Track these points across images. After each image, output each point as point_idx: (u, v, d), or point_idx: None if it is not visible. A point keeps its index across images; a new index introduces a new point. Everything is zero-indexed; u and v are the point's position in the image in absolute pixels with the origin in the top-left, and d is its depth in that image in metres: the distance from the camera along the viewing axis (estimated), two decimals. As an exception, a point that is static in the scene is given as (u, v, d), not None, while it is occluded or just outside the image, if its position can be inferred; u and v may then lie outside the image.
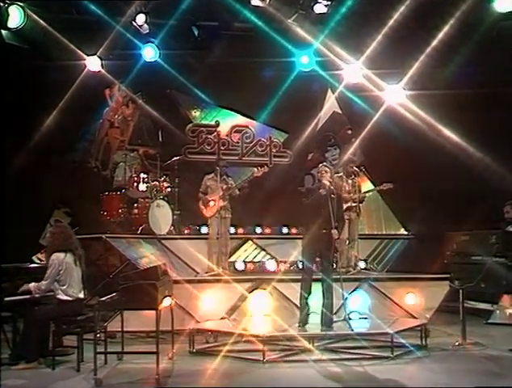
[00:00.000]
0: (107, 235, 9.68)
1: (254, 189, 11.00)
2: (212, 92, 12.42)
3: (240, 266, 10.62)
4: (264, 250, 11.09)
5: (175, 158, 11.39)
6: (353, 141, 12.32)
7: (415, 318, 8.87)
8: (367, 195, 10.55)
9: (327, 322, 7.88)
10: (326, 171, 8.08)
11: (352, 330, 7.88)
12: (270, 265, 10.62)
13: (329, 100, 12.85)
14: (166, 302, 7.06)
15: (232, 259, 10.73)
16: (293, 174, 12.48)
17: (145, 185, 10.74)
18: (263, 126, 12.82)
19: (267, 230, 11.81)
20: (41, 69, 10.78)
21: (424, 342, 7.88)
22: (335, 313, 8.17)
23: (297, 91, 11.82)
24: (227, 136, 12.64)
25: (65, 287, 7.19)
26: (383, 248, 11.53)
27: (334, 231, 7.76)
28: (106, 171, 12.25)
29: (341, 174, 10.19)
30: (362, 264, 10.58)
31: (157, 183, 10.89)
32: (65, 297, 7.19)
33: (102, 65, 11.10)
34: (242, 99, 12.34)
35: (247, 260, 10.84)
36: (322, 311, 7.92)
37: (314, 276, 8.03)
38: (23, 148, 10.53)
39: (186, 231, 11.28)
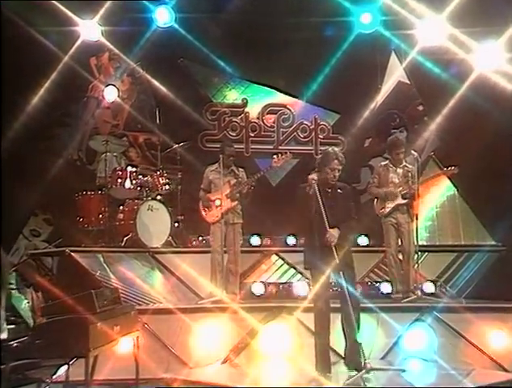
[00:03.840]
0: (73, 248, 8.57)
1: (289, 186, 9.68)
2: (238, 62, 11.52)
3: (258, 289, 9.16)
4: (294, 267, 9.73)
5: (176, 146, 10.36)
6: (425, 121, 11.54)
7: (505, 369, 7.44)
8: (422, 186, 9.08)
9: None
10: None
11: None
12: (300, 288, 9.09)
13: (392, 68, 11.86)
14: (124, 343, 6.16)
15: (250, 279, 9.46)
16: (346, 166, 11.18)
17: (133, 181, 9.65)
18: (307, 105, 11.96)
19: (302, 241, 10.21)
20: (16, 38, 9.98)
21: (517, 407, 6.70)
22: (382, 357, 7.26)
23: (354, 59, 10.87)
24: (258, 118, 11.89)
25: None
26: (460, 265, 10.15)
27: (330, 232, 6.66)
28: (92, 165, 11.28)
29: (386, 162, 8.90)
30: (428, 287, 9.17)
31: (149, 178, 9.81)
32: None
33: (102, 32, 10.65)
34: (278, 71, 11.46)
35: (269, 281, 9.50)
36: (345, 355, 6.94)
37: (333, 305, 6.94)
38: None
39: (194, 243, 10.16)
